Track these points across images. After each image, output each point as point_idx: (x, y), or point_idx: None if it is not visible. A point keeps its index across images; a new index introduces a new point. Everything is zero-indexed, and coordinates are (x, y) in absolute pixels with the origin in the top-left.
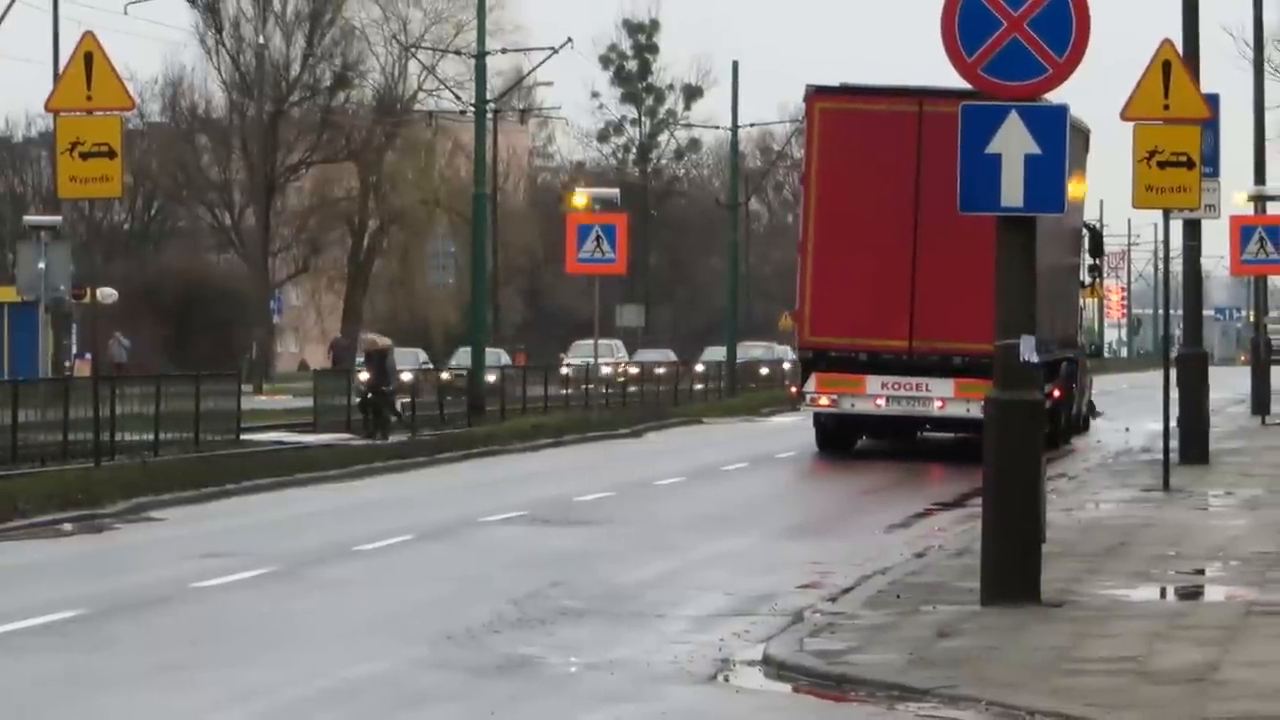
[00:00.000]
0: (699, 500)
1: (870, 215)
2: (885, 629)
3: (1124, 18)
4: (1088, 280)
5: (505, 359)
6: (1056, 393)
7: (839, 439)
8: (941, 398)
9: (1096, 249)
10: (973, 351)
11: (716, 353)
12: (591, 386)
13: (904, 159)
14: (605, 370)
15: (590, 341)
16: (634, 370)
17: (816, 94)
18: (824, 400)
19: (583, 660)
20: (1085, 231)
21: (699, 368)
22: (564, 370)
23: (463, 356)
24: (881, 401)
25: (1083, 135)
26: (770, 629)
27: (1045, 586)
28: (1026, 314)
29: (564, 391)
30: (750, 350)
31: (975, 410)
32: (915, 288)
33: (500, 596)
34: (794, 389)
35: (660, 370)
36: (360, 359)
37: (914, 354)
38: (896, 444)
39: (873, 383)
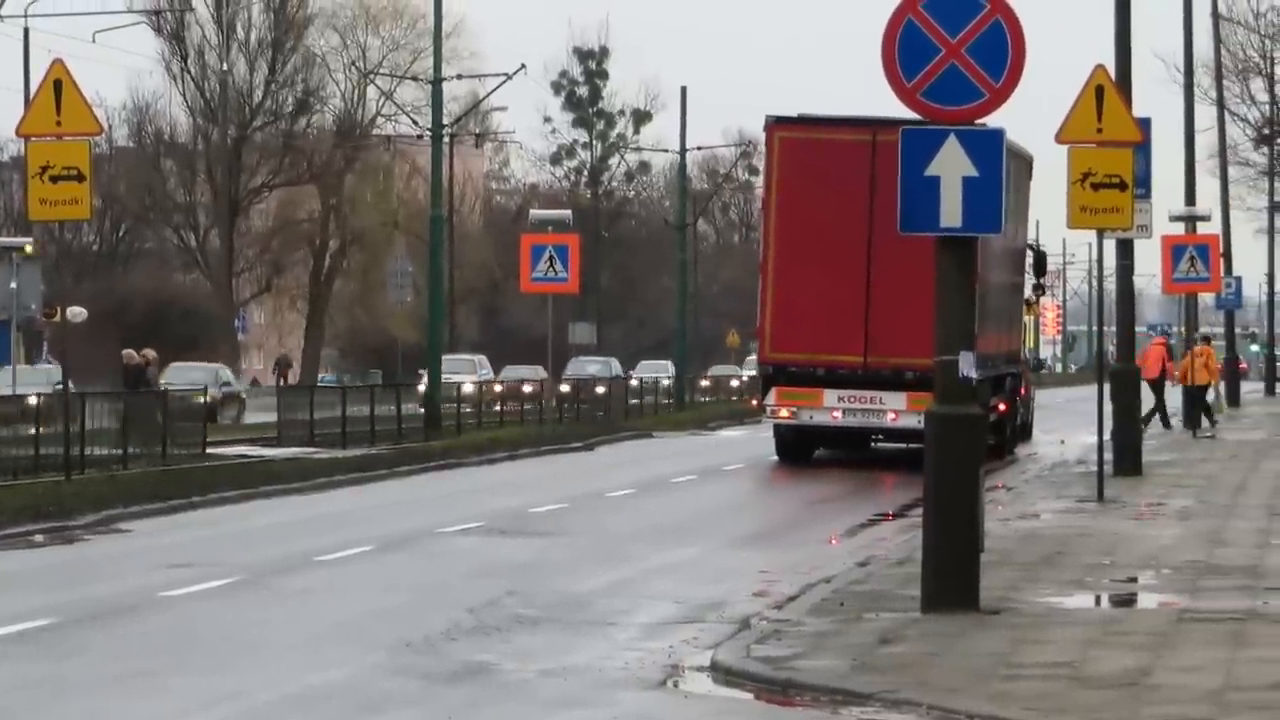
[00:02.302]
0: (649, 512)
1: (827, 238)
2: (829, 636)
3: (1059, 44)
4: (1033, 298)
5: (226, 375)
6: (1002, 406)
7: (797, 449)
8: (894, 410)
9: (1040, 268)
10: (923, 366)
11: (577, 366)
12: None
13: (858, 185)
14: (467, 389)
15: (452, 357)
16: (498, 388)
17: (776, 124)
18: (784, 412)
19: (537, 667)
20: (1030, 252)
21: (564, 388)
22: (421, 388)
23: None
24: (838, 414)
25: (1026, 161)
26: (718, 636)
27: (984, 594)
28: (965, 331)
29: (524, 406)
30: (587, 366)
31: (916, 422)
32: (870, 306)
33: (458, 605)
34: (755, 402)
35: (527, 389)
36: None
37: (869, 369)
38: (849, 453)
39: (830, 396)
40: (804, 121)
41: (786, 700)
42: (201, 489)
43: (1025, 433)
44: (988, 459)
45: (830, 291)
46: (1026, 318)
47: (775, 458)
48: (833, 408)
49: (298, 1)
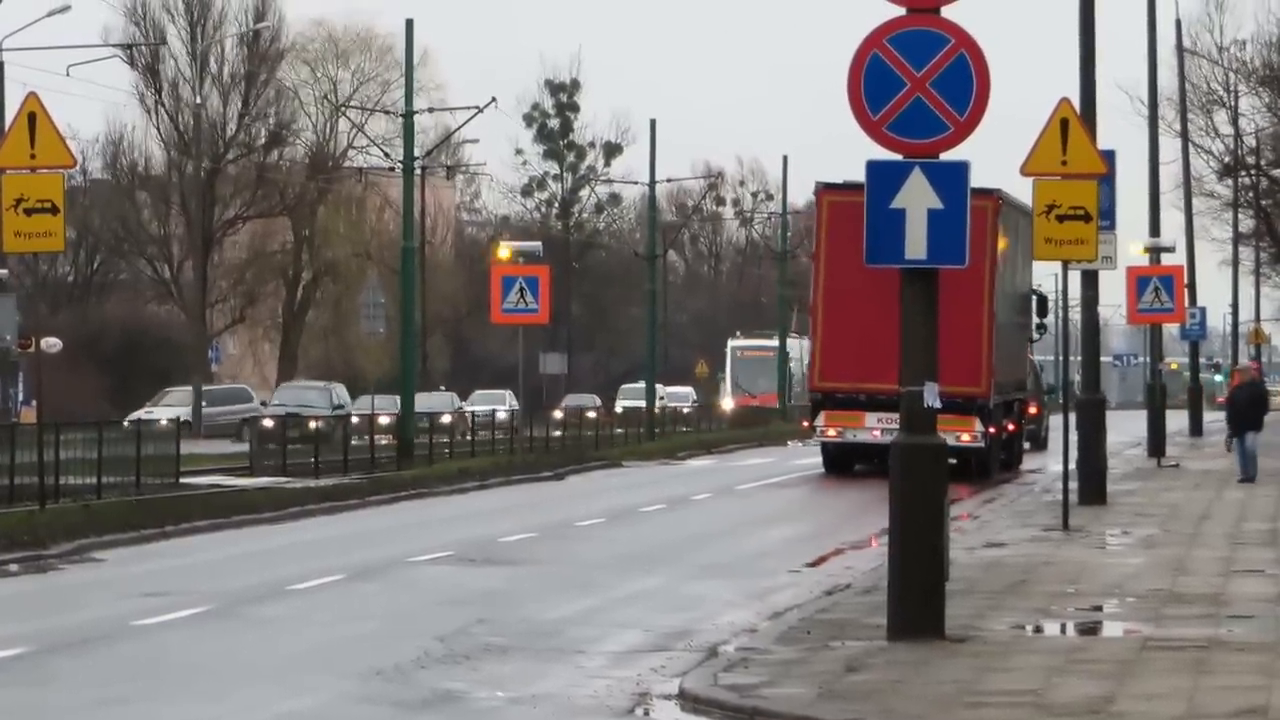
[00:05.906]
0: (618, 540)
1: (867, 284)
2: (796, 664)
3: (1024, 77)
4: (1036, 336)
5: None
6: (1012, 426)
7: (840, 462)
8: None
9: (1042, 309)
10: (949, 393)
11: (428, 400)
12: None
13: None
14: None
15: (215, 388)
16: (371, 420)
17: (825, 189)
18: (831, 432)
19: (506, 695)
20: (1034, 296)
21: (477, 411)
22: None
23: None
24: (878, 433)
25: (1028, 216)
26: (686, 664)
27: (949, 622)
28: (930, 361)
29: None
30: (428, 400)
31: (950, 440)
32: None
33: (427, 633)
34: (806, 423)
35: (383, 420)
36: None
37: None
38: (879, 467)
39: (870, 418)
40: (848, 187)
41: None
42: (174, 519)
43: (1042, 444)
44: (1002, 471)
45: (870, 329)
46: None
47: (822, 470)
48: (873, 428)
49: (270, 35)
